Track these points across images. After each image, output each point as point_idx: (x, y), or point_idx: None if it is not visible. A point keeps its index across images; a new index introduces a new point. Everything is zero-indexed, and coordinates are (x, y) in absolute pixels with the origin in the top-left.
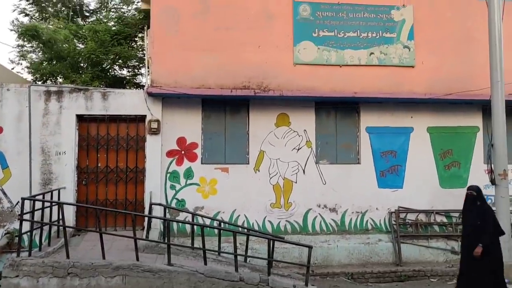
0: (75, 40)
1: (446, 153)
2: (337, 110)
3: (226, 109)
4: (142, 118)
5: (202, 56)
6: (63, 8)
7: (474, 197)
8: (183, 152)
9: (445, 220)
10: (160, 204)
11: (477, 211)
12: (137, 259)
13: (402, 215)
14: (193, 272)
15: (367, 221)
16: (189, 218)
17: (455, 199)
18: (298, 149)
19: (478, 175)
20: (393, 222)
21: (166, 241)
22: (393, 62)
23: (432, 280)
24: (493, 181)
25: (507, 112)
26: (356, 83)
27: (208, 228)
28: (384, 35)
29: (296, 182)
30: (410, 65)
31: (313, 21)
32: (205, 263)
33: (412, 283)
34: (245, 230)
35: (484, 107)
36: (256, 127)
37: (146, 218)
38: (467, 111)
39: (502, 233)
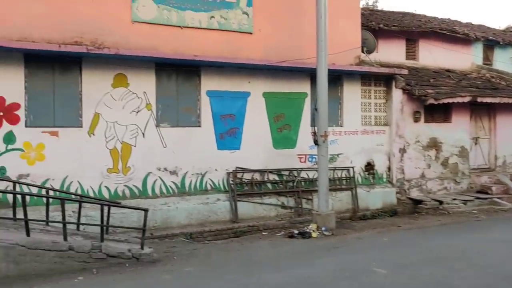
0: None
1: (279, 117)
2: (178, 72)
3: (55, 66)
4: None
5: (24, 4)
6: None
7: None
8: (2, 113)
9: (277, 178)
10: None
11: None
12: None
13: (239, 175)
14: (12, 246)
15: (206, 182)
16: (11, 187)
17: (285, 159)
18: (138, 112)
19: (306, 137)
20: (231, 182)
21: None
22: (233, 27)
23: (264, 233)
24: (316, 142)
25: (329, 80)
26: (197, 46)
27: (35, 197)
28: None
29: (135, 146)
30: (248, 31)
31: None
32: (28, 234)
33: (246, 238)
34: (78, 197)
35: (311, 75)
36: (90, 88)
37: None
38: (298, 78)
39: None
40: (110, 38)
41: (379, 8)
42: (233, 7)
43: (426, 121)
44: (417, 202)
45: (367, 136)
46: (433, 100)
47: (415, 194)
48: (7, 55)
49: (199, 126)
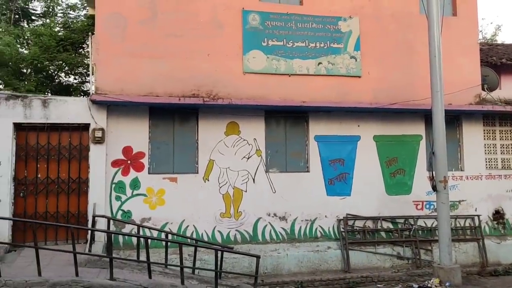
0: (17, 45)
1: (391, 161)
2: (287, 118)
3: (175, 117)
4: (85, 126)
5: (150, 63)
6: (7, 11)
7: None
8: (129, 161)
9: (391, 226)
10: (103, 216)
11: None
12: (77, 274)
13: (350, 222)
14: (136, 286)
15: (316, 228)
16: (135, 230)
17: (400, 206)
18: (248, 158)
19: (421, 182)
20: (342, 230)
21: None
22: (341, 72)
23: (378, 286)
24: (434, 188)
25: (446, 121)
26: (305, 92)
27: (155, 240)
28: (331, 46)
29: (246, 191)
30: (356, 75)
31: (262, 30)
32: (150, 277)
33: None
34: (193, 241)
35: (426, 116)
36: (205, 136)
37: (89, 231)
38: (410, 120)
39: None
40: (223, 89)
41: (499, 42)
42: (340, 53)
43: None
44: None
45: (494, 181)
46: None
47: None
48: (135, 109)
49: (308, 172)
